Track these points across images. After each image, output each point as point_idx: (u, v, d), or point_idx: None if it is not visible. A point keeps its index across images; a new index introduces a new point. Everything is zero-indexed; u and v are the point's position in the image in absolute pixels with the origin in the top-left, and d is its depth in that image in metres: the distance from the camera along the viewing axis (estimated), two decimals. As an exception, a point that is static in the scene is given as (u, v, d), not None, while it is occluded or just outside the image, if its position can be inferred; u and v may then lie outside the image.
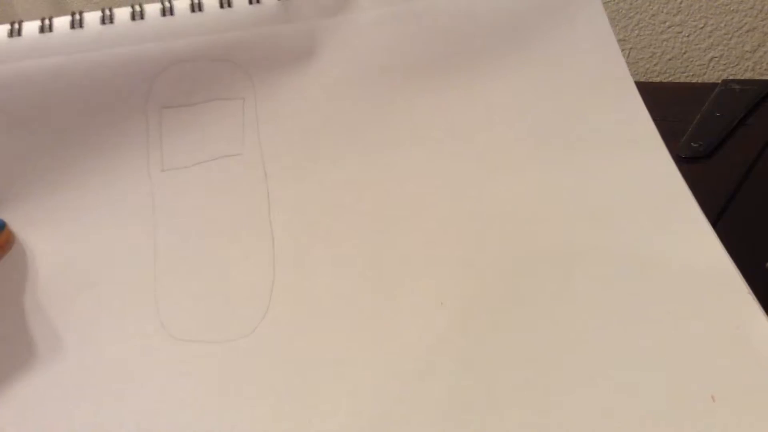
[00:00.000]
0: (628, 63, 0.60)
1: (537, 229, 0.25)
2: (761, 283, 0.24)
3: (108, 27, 0.27)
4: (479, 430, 0.21)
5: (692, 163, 0.40)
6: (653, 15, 0.58)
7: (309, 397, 0.22)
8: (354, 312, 0.24)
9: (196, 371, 0.23)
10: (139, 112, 0.27)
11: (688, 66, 0.59)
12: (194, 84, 0.27)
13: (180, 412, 0.22)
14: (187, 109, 0.27)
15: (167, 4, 0.27)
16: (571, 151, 0.27)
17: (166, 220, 0.26)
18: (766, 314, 0.22)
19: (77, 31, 0.26)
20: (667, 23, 0.57)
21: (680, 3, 0.56)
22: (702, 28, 0.56)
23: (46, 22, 0.26)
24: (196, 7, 0.27)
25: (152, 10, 0.27)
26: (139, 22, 0.27)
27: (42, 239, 0.26)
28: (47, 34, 0.26)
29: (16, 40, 0.26)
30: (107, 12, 0.27)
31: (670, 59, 0.59)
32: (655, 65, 0.60)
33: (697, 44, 0.57)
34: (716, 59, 0.57)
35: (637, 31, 0.59)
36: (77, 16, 0.26)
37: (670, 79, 0.60)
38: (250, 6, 0.28)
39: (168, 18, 0.27)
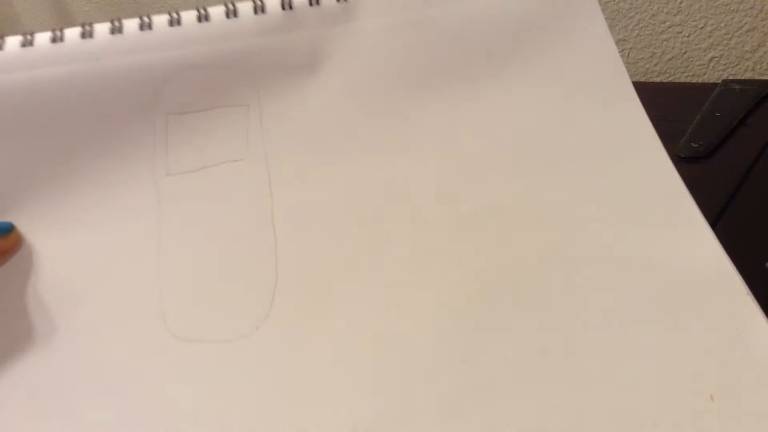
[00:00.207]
0: (628, 63, 0.60)
1: (537, 230, 0.26)
2: (761, 283, 0.24)
3: (117, 37, 0.27)
4: (480, 430, 0.21)
5: (692, 163, 0.40)
6: (653, 15, 0.58)
7: (308, 396, 0.22)
8: (354, 313, 0.24)
9: (196, 370, 0.24)
10: (146, 118, 0.27)
11: (688, 66, 0.59)
12: (200, 91, 0.28)
13: (181, 410, 0.23)
14: (193, 115, 0.28)
15: (175, 15, 0.28)
16: (571, 155, 0.27)
17: (171, 222, 0.26)
18: (765, 315, 0.22)
19: (87, 41, 0.27)
20: (667, 23, 0.57)
21: (680, 3, 0.56)
22: (702, 28, 0.56)
23: (58, 32, 0.27)
24: (203, 18, 0.28)
25: (160, 21, 0.28)
26: (147, 32, 0.27)
27: (49, 241, 0.26)
28: (58, 44, 0.27)
29: (28, 49, 0.27)
30: (116, 23, 0.27)
31: (670, 59, 0.59)
32: (655, 65, 0.60)
33: (697, 44, 0.57)
34: (716, 59, 0.57)
35: (637, 31, 0.59)
36: (87, 27, 0.27)
37: (670, 79, 0.60)
38: (256, 16, 0.28)
39: (175, 28, 0.28)
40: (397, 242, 0.26)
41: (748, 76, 0.57)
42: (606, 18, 0.60)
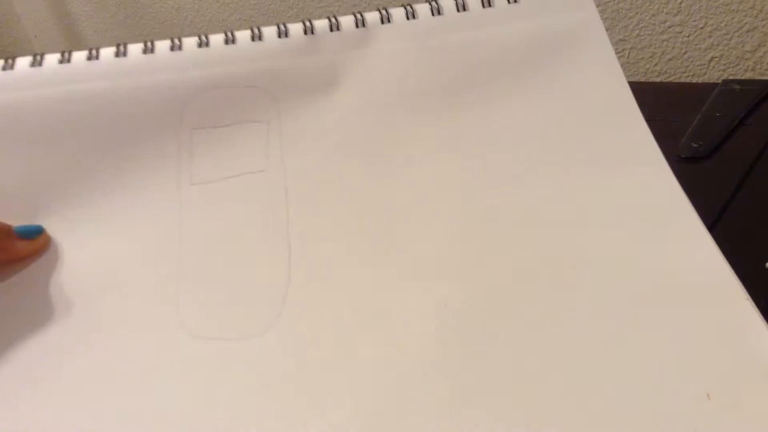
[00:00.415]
0: (628, 63, 0.61)
1: (540, 236, 0.27)
2: (761, 284, 0.25)
3: (148, 57, 0.29)
4: (479, 430, 0.21)
5: (692, 163, 0.40)
6: (653, 15, 0.57)
7: (316, 393, 0.23)
8: (362, 313, 0.25)
9: (210, 367, 0.24)
10: (172, 132, 0.29)
11: (688, 66, 0.59)
12: (224, 108, 0.29)
13: (195, 405, 0.23)
14: (217, 130, 0.29)
15: (203, 39, 0.29)
16: (575, 167, 0.28)
17: (192, 228, 0.28)
18: (763, 319, 0.23)
19: (121, 60, 0.29)
20: (667, 23, 0.57)
21: (680, 3, 0.56)
22: (702, 28, 0.56)
23: (93, 52, 0.29)
24: (229, 41, 0.29)
25: (189, 42, 0.29)
26: (177, 52, 0.29)
27: (75, 242, 0.28)
28: (94, 62, 0.29)
29: (65, 66, 0.29)
30: (149, 44, 0.29)
31: (670, 59, 0.59)
32: (655, 65, 0.60)
33: (697, 44, 0.57)
34: (716, 59, 0.57)
35: (637, 31, 0.59)
36: (122, 48, 0.29)
37: (670, 79, 0.60)
38: (279, 39, 0.30)
39: (203, 49, 0.29)
40: (402, 248, 0.27)
41: (748, 76, 0.56)
42: (606, 18, 0.61)
